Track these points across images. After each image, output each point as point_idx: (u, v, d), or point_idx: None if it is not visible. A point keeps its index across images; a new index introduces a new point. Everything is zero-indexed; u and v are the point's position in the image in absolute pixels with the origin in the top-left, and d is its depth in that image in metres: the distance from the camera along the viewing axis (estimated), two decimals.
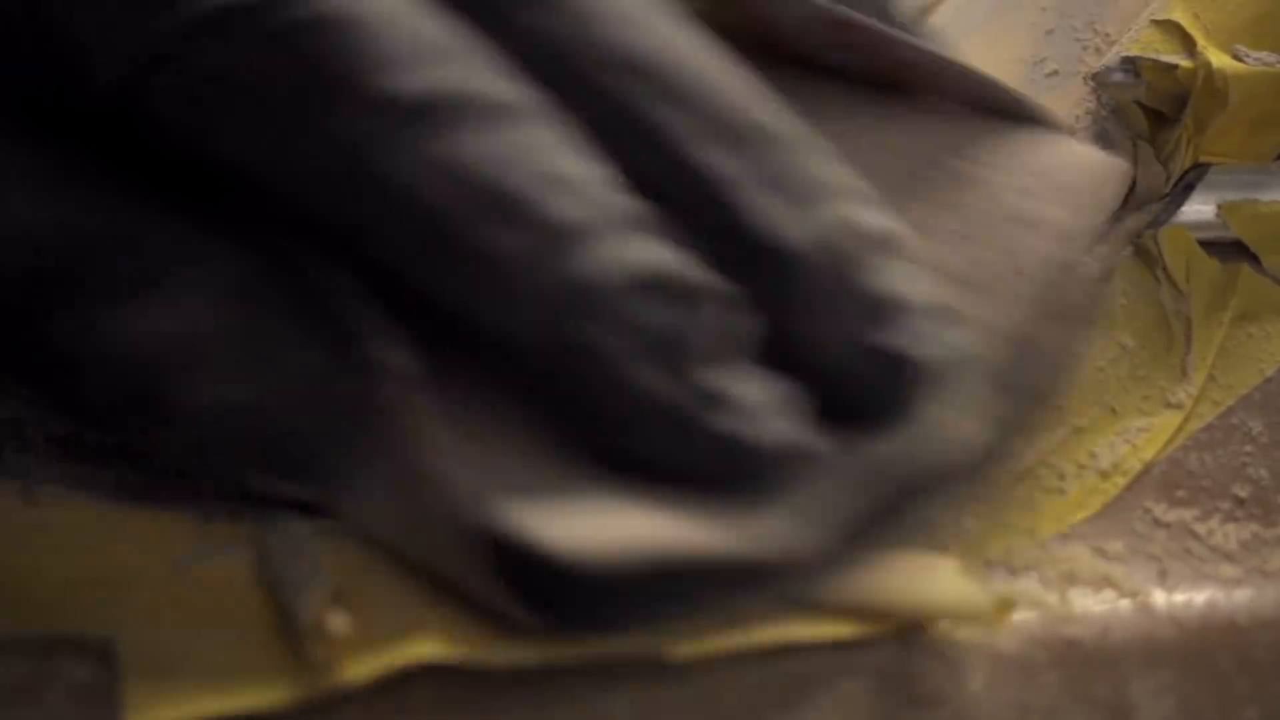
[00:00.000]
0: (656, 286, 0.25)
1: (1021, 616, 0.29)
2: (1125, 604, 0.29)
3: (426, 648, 0.26)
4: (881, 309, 0.26)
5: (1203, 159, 0.34)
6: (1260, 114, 0.33)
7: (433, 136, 0.25)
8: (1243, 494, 0.31)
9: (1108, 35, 0.36)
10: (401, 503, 0.25)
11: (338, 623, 0.26)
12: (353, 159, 0.25)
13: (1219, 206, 0.34)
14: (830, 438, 0.26)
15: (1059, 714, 0.28)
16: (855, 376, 0.26)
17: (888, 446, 0.26)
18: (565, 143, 0.25)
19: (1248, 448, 0.32)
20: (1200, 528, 0.30)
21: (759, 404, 0.25)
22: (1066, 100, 0.36)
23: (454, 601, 0.27)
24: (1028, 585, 0.29)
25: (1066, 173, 0.30)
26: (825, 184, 0.27)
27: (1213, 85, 0.33)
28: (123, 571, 0.28)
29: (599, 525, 0.24)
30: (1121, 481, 0.31)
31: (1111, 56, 0.35)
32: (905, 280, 0.27)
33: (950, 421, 0.26)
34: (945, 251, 0.28)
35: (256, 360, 0.26)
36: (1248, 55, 0.33)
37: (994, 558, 0.30)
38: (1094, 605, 0.29)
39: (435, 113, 0.25)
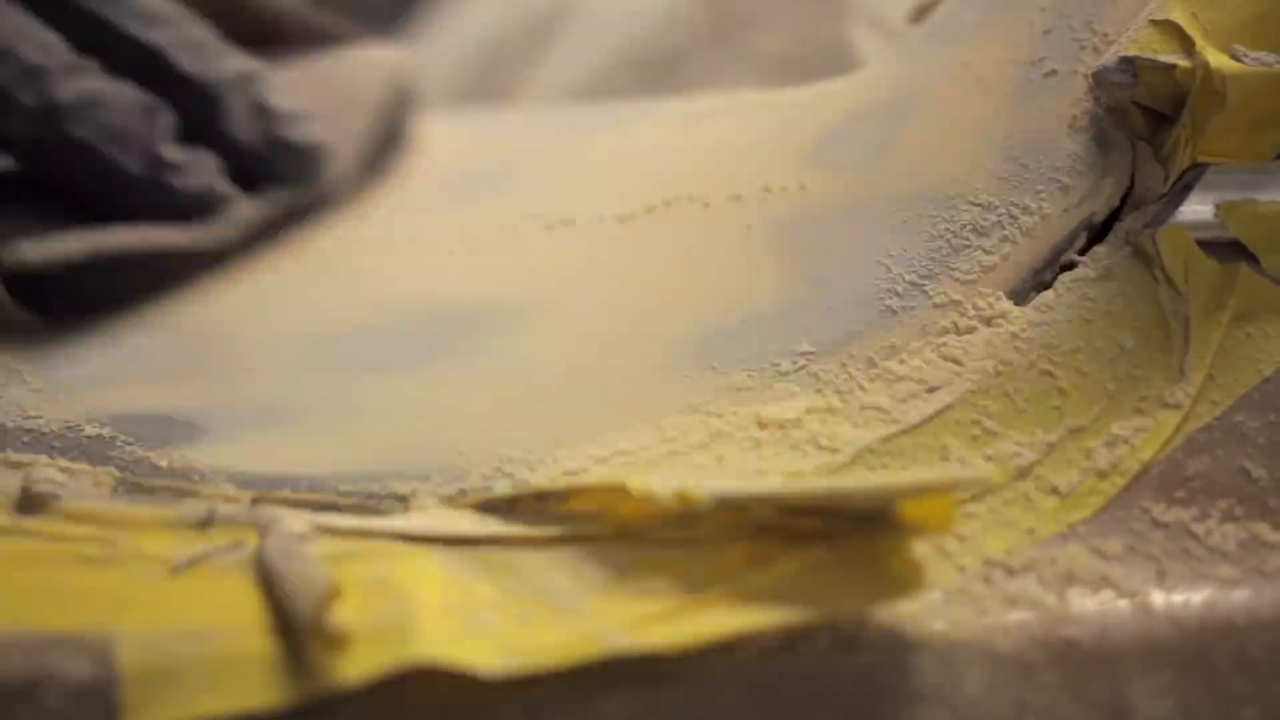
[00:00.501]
0: (118, 105, 0.42)
1: (1020, 616, 0.29)
2: (1124, 604, 0.29)
3: (426, 648, 0.26)
4: (277, 115, 0.45)
5: (1201, 159, 0.34)
6: (1258, 114, 0.33)
7: None
8: (1241, 494, 0.31)
9: (1106, 35, 0.36)
10: None
11: (336, 623, 0.26)
12: None
13: (1217, 206, 0.34)
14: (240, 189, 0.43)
15: (1057, 713, 0.28)
16: (268, 157, 0.44)
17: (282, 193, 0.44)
18: (36, 24, 0.42)
19: (1246, 448, 0.32)
20: (1198, 528, 0.30)
21: (199, 167, 0.43)
22: (1065, 100, 0.36)
23: (452, 604, 0.27)
24: (1027, 585, 0.29)
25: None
26: (220, 45, 0.45)
27: (1211, 85, 0.33)
28: (121, 572, 0.28)
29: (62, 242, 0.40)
30: (1120, 482, 0.31)
31: (1110, 56, 0.35)
32: (282, 99, 0.45)
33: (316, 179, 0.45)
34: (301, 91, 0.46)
35: None
36: (1246, 55, 0.33)
37: (994, 558, 0.30)
38: (1092, 605, 0.29)
39: None
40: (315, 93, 0.47)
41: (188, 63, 0.44)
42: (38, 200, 0.42)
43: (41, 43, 0.42)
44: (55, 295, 0.39)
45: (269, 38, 0.50)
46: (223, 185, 0.43)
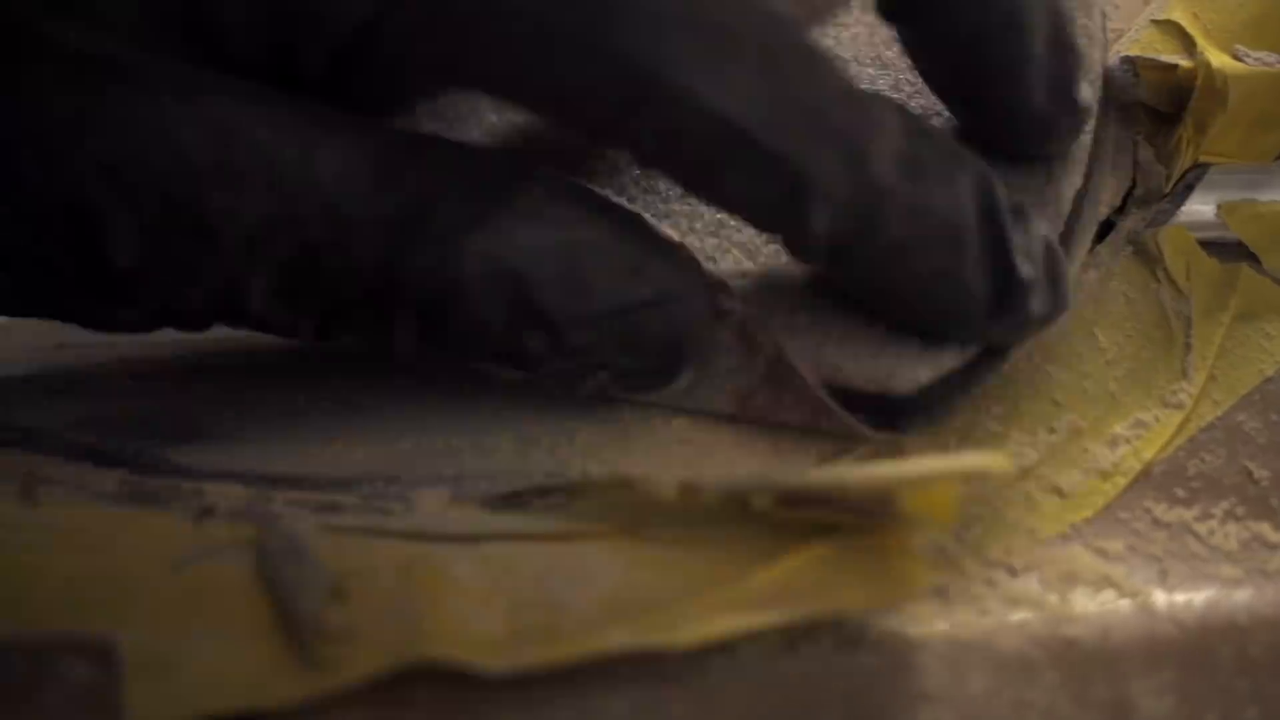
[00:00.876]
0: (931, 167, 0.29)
1: (1022, 617, 0.29)
2: (1125, 604, 0.29)
3: (426, 647, 0.26)
4: (1076, 64, 0.31)
5: (1203, 159, 0.34)
6: (1260, 114, 0.33)
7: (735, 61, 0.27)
8: (1243, 494, 0.31)
9: (1106, 35, 0.36)
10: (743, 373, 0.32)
11: (337, 622, 0.26)
12: (647, 76, 0.27)
13: (1219, 206, 0.34)
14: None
15: (1059, 713, 0.28)
16: (1059, 125, 0.32)
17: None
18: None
19: (1248, 448, 0.32)
20: (1200, 527, 0.30)
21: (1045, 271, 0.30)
22: None
23: (454, 603, 0.27)
24: (1028, 585, 0.29)
25: None
26: None
27: (1212, 85, 0.33)
28: (123, 571, 0.28)
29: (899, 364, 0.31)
30: (1121, 481, 0.31)
31: (1111, 56, 0.35)
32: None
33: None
34: None
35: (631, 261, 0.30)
36: (1247, 55, 0.33)
37: (994, 558, 0.30)
38: (1094, 605, 0.29)
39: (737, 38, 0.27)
40: None
41: None
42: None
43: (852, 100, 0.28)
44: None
45: None
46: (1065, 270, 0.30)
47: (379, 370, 0.36)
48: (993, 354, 0.31)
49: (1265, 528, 0.30)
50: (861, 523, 0.28)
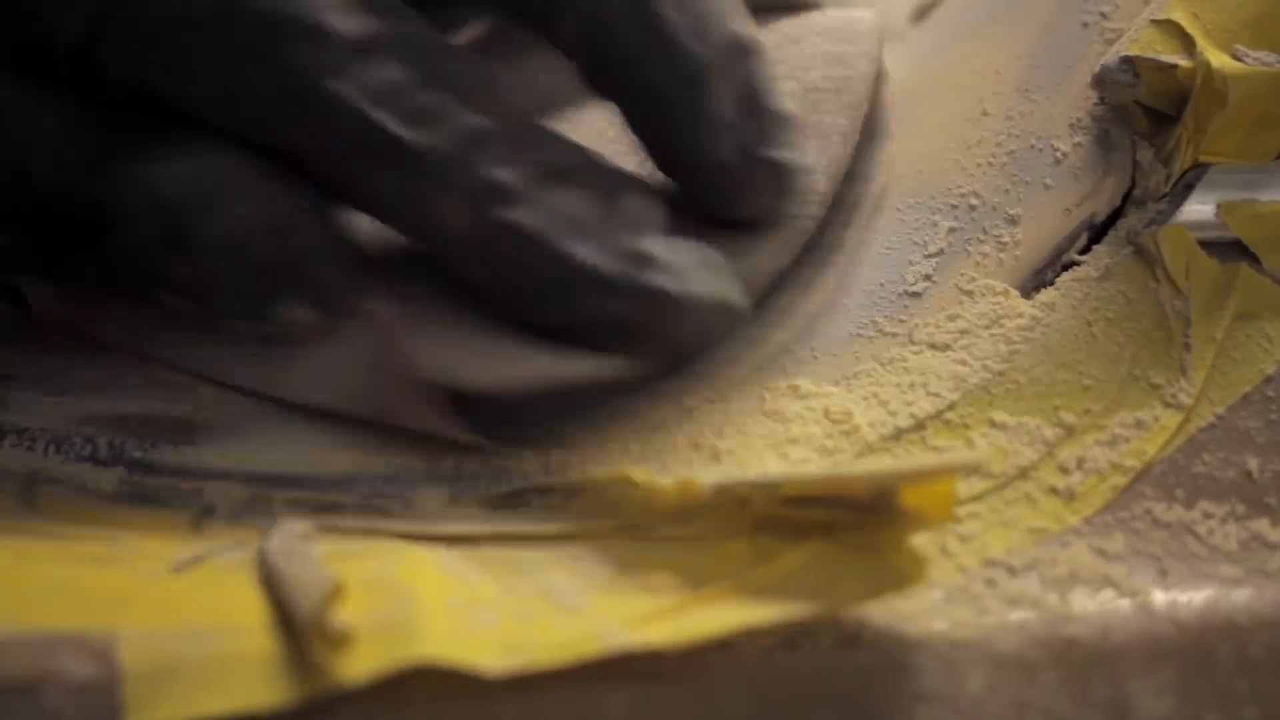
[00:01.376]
0: (572, 177, 0.30)
1: (1021, 616, 0.29)
2: (1125, 603, 0.29)
3: (428, 647, 0.26)
4: (773, 125, 0.32)
5: (1202, 158, 0.34)
6: (1260, 114, 0.33)
7: (368, 66, 0.30)
8: (1243, 494, 0.31)
9: (1106, 35, 0.36)
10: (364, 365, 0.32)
11: (337, 622, 0.26)
12: (305, 86, 0.30)
13: (1219, 206, 0.34)
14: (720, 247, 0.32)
15: (1058, 713, 0.28)
16: (748, 183, 0.32)
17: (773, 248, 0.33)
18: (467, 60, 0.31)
19: (1248, 447, 0.32)
20: (1200, 527, 0.30)
21: (681, 263, 0.30)
22: (1066, 100, 0.36)
23: (453, 603, 0.27)
24: (1027, 584, 0.29)
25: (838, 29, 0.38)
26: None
27: (1212, 85, 0.33)
28: (123, 571, 0.28)
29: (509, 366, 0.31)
30: (1121, 481, 0.31)
31: (1111, 56, 0.35)
32: (783, 98, 0.32)
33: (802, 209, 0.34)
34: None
35: (268, 190, 0.31)
36: (1247, 55, 0.33)
37: (995, 557, 0.30)
38: (1093, 605, 0.29)
39: (370, 47, 0.30)
40: (793, 65, 0.36)
41: (679, 22, 0.31)
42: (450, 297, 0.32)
43: (481, 104, 0.30)
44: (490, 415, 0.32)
45: None
46: (712, 288, 0.31)
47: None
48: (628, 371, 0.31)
49: (1265, 527, 0.30)
50: (860, 521, 0.28)
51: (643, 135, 0.33)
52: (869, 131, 0.37)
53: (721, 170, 0.32)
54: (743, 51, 0.32)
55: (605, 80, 0.33)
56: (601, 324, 0.30)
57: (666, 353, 0.32)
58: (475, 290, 0.31)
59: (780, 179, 0.32)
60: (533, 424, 0.32)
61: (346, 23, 0.30)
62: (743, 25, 0.32)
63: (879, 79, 0.37)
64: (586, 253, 0.30)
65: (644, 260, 0.30)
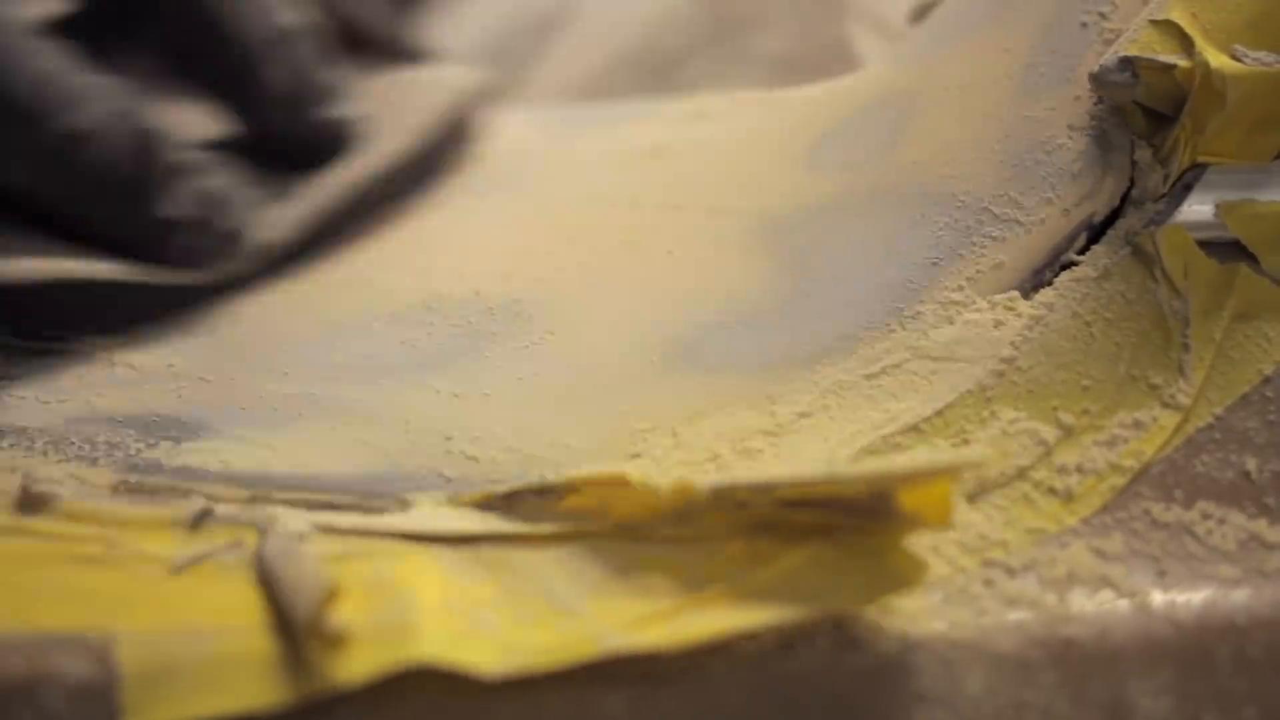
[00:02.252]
0: (119, 143, 0.37)
1: (1020, 616, 0.29)
2: (1123, 604, 0.29)
3: (426, 648, 0.26)
4: (315, 85, 0.41)
5: (1201, 159, 0.34)
6: (1259, 114, 0.33)
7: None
8: (1241, 494, 0.31)
9: (1105, 35, 0.36)
10: None
11: (335, 622, 0.26)
12: None
13: (1217, 206, 0.34)
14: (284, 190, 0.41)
15: (1056, 713, 0.28)
16: (308, 137, 0.42)
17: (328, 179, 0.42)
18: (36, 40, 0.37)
19: (1246, 447, 0.32)
20: (1198, 528, 0.30)
21: (200, 215, 0.38)
22: (1065, 100, 0.36)
23: (451, 604, 0.27)
24: (1026, 585, 0.29)
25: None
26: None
27: (1211, 85, 0.33)
28: (121, 572, 0.28)
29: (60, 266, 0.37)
30: (1120, 481, 0.31)
31: (1109, 56, 0.34)
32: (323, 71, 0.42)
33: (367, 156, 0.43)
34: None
35: None
36: (1246, 55, 0.33)
37: (994, 558, 0.30)
38: (1092, 605, 0.29)
39: None
40: (374, 99, 0.44)
41: (228, 9, 0.40)
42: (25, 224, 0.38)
43: (37, 72, 0.37)
44: (31, 315, 0.38)
45: (352, 46, 0.47)
46: (235, 220, 0.39)
47: (378, 371, 0.36)
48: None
49: (1263, 527, 0.30)
50: (857, 523, 0.28)
51: (226, 109, 0.41)
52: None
53: (281, 130, 0.41)
54: (289, 37, 0.41)
55: (184, 67, 0.41)
56: (134, 239, 0.38)
57: (201, 268, 0.38)
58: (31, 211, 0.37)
59: (328, 130, 0.42)
60: (62, 324, 0.37)
61: None
62: (289, 17, 0.41)
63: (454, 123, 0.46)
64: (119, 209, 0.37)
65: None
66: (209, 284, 0.39)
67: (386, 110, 0.44)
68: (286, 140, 0.42)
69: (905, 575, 0.27)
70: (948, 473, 0.27)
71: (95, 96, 0.37)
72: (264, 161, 0.41)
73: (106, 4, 0.40)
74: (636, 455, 0.32)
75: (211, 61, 0.41)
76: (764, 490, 0.28)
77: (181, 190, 0.38)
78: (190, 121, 0.41)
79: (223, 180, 0.39)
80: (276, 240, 0.40)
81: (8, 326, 0.38)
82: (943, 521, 0.28)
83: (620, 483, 0.29)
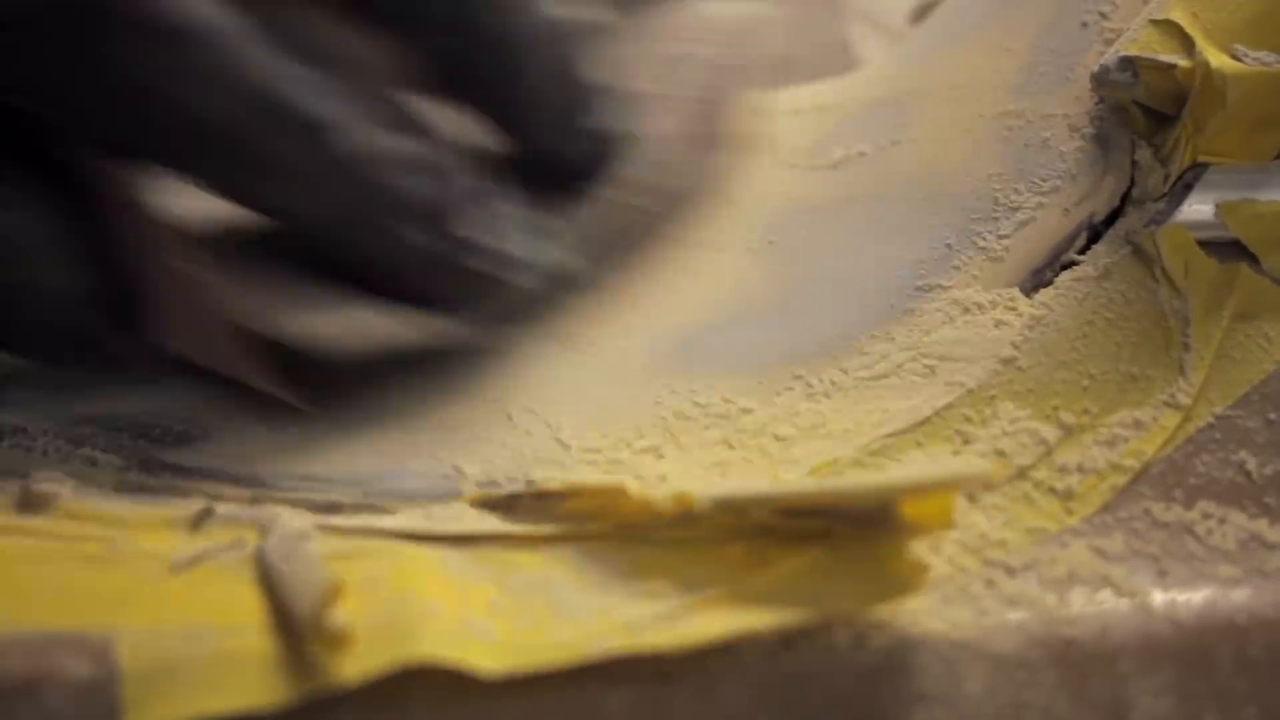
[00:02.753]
0: (408, 164, 0.32)
1: (1020, 616, 0.29)
2: (1124, 603, 0.29)
3: (426, 647, 0.26)
4: (590, 96, 0.34)
5: (1201, 158, 0.34)
6: (1259, 114, 0.33)
7: (210, 58, 0.30)
8: (1242, 493, 0.31)
9: (1106, 35, 0.36)
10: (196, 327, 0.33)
11: (335, 622, 0.26)
12: (137, 81, 0.30)
13: (1218, 206, 0.34)
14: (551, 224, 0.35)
15: (1057, 713, 0.28)
16: (569, 151, 0.35)
17: (596, 207, 0.36)
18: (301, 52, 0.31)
19: (1247, 447, 0.32)
20: (1199, 527, 0.30)
21: (503, 247, 0.33)
22: (1065, 100, 0.36)
23: (452, 603, 0.27)
24: (1026, 585, 0.29)
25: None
26: None
27: (1211, 85, 0.33)
28: (122, 571, 0.28)
29: (343, 327, 0.34)
30: (1120, 481, 0.31)
31: (1110, 56, 0.35)
32: (607, 69, 0.35)
33: (635, 178, 0.36)
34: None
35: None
36: (1246, 55, 0.33)
37: (994, 558, 0.30)
38: (1092, 605, 0.29)
39: (208, 37, 0.30)
40: (634, 70, 0.37)
41: (483, 11, 0.33)
42: (296, 265, 0.33)
43: (313, 82, 0.31)
44: (309, 374, 0.34)
45: None
46: (526, 248, 0.33)
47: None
48: (455, 341, 0.34)
49: (1263, 527, 0.30)
50: (859, 530, 0.28)
51: (480, 116, 0.34)
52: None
53: (542, 141, 0.35)
54: (553, 34, 0.34)
55: (437, 76, 0.34)
56: (424, 283, 0.33)
57: (491, 316, 0.34)
58: (306, 253, 0.33)
59: (596, 143, 0.35)
60: (358, 387, 0.34)
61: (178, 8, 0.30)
62: (552, 8, 0.34)
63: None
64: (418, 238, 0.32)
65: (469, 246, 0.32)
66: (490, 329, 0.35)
67: (655, 79, 0.38)
68: (550, 157, 0.35)
69: (906, 581, 0.27)
70: (953, 487, 0.27)
71: (379, 109, 0.32)
72: (525, 182, 0.35)
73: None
74: (637, 455, 0.32)
75: (469, 69, 0.34)
76: (765, 502, 0.28)
77: (478, 214, 0.33)
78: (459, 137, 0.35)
79: (507, 207, 0.34)
80: (553, 279, 0.35)
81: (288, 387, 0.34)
82: (945, 527, 0.28)
83: (619, 493, 0.29)
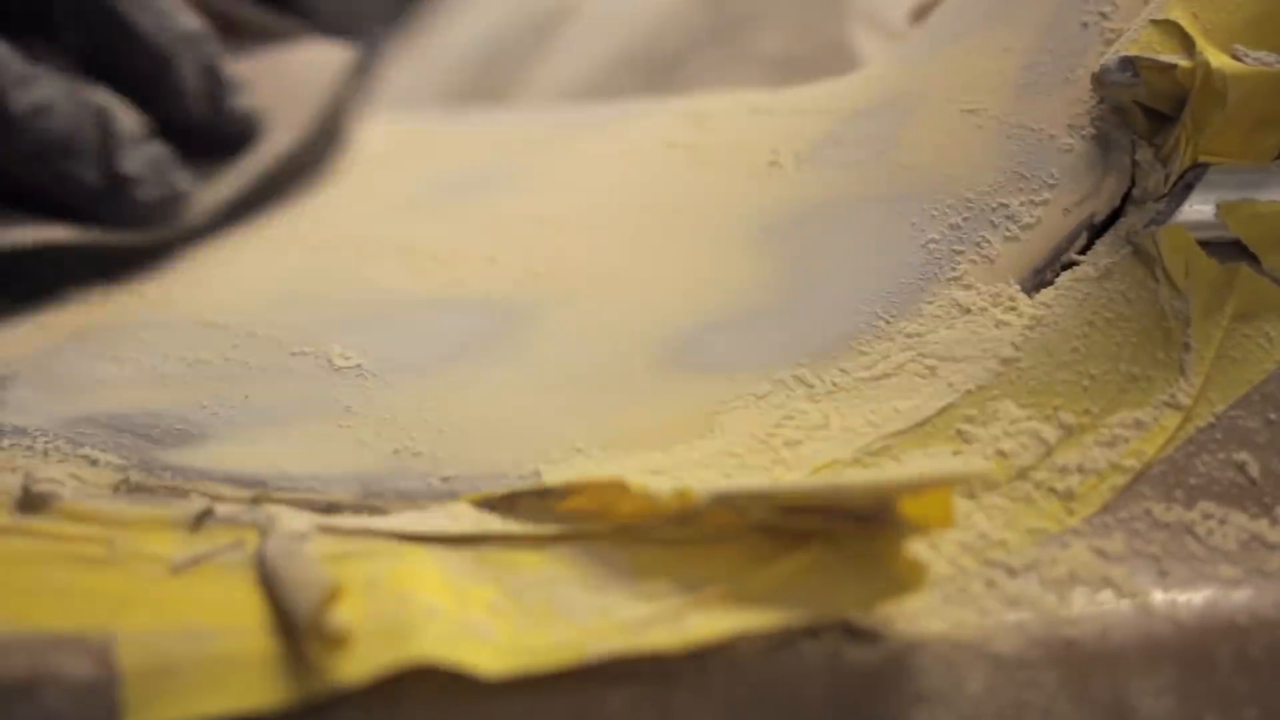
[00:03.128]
0: (77, 116, 0.42)
1: (1020, 617, 0.29)
2: (1124, 604, 0.29)
3: (426, 648, 0.26)
4: (224, 79, 0.46)
5: (1202, 159, 0.34)
6: (1259, 114, 0.33)
7: None
8: (1242, 494, 0.31)
9: (1106, 35, 0.36)
10: None
11: (335, 622, 0.26)
12: None
13: (1218, 206, 0.34)
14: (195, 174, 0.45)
15: (1057, 714, 0.28)
16: (212, 124, 0.46)
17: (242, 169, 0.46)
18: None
19: (1247, 447, 0.32)
20: (1199, 528, 0.30)
21: (157, 171, 0.43)
22: (1065, 100, 0.36)
23: (451, 604, 0.27)
24: (1027, 585, 0.29)
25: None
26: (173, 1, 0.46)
27: (1211, 85, 0.33)
28: (122, 572, 0.28)
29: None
30: (1121, 481, 0.31)
31: (1110, 56, 0.34)
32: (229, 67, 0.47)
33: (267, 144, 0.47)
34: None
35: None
36: (1247, 55, 0.33)
37: (995, 558, 0.30)
38: (1093, 605, 0.29)
39: None
40: (261, 85, 0.48)
41: (141, 18, 0.44)
42: None
43: None
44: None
45: (223, 31, 0.50)
46: (180, 181, 0.44)
47: (379, 371, 0.36)
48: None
49: (1264, 527, 0.30)
50: (858, 528, 0.28)
51: (143, 106, 0.44)
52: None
53: (197, 116, 0.45)
54: (197, 38, 0.45)
55: (100, 69, 0.44)
56: (98, 209, 0.42)
57: (155, 226, 0.43)
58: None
59: (242, 118, 0.46)
60: (20, 288, 0.40)
61: None
62: (192, 20, 0.46)
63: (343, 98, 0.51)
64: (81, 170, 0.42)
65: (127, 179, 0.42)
66: (161, 243, 0.43)
67: (277, 93, 0.49)
68: (203, 130, 0.46)
69: (905, 581, 0.27)
70: (949, 484, 0.27)
71: (43, 76, 0.41)
72: (181, 151, 0.45)
73: (23, 8, 0.44)
74: (637, 455, 0.32)
75: (125, 63, 0.45)
76: (764, 499, 0.28)
77: (136, 152, 0.43)
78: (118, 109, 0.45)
79: (164, 149, 0.44)
80: (214, 205, 0.45)
81: None
82: (944, 526, 0.28)
83: (619, 488, 0.29)
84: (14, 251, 0.41)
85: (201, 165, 0.45)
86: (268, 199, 0.47)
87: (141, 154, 0.43)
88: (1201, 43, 0.33)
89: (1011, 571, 0.29)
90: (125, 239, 0.42)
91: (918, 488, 0.27)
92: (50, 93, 0.41)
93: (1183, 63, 0.33)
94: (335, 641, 0.26)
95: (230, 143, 0.47)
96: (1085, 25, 0.37)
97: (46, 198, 0.42)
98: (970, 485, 0.30)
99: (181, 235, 0.44)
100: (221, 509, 0.30)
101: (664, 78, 0.62)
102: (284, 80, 0.50)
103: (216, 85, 0.46)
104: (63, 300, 0.41)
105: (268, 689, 0.26)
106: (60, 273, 0.42)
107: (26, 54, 0.42)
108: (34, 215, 0.42)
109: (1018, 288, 0.34)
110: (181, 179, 0.44)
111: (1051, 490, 0.31)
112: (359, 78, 0.53)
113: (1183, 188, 0.34)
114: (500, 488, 0.31)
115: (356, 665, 0.26)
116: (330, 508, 0.31)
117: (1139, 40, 0.34)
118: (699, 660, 0.27)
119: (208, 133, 0.46)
